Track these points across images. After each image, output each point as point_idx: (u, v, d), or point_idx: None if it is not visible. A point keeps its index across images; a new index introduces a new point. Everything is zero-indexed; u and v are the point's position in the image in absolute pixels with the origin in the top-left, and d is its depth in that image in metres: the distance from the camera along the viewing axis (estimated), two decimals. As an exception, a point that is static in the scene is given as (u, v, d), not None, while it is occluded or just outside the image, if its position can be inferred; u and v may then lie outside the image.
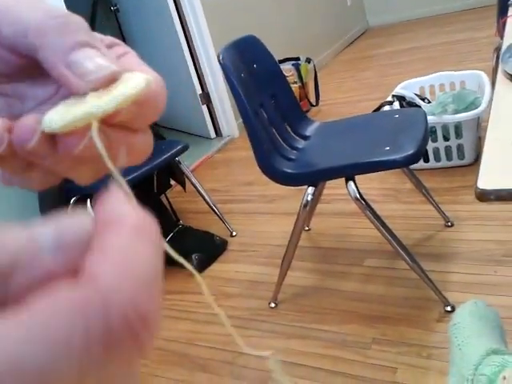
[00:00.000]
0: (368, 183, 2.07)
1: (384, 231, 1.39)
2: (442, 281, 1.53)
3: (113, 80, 0.20)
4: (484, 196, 0.56)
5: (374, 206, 1.44)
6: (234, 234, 2.18)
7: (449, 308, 1.43)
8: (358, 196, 1.33)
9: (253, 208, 2.40)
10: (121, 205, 0.16)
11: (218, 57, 1.33)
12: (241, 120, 3.54)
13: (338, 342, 1.46)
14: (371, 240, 1.85)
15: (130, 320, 0.13)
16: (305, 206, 1.41)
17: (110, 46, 0.24)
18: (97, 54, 0.20)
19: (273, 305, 1.66)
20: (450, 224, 1.80)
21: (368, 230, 1.90)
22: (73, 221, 0.16)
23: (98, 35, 0.23)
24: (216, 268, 1.98)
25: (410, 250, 1.46)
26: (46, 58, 0.20)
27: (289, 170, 1.36)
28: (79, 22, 0.21)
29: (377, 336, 1.44)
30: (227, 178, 2.86)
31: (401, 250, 1.41)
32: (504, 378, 0.65)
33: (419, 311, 1.48)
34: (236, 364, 1.49)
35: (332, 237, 1.97)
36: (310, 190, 1.40)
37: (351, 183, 1.33)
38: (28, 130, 0.20)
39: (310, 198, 1.40)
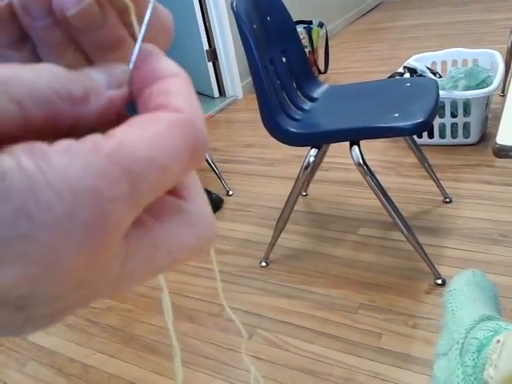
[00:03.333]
0: (369, 154, 2.05)
1: (383, 199, 1.38)
2: (435, 254, 1.53)
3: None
4: (501, 152, 0.55)
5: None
6: (231, 193, 2.17)
7: (439, 281, 1.44)
8: (361, 161, 1.31)
9: (251, 170, 2.38)
10: (168, 61, 0.19)
11: (232, 3, 1.28)
12: (246, 81, 3.50)
13: (326, 304, 1.47)
14: (367, 210, 1.85)
15: (205, 139, 0.17)
16: (306, 167, 1.39)
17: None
18: None
19: (264, 264, 1.67)
20: (448, 200, 1.80)
21: (365, 199, 1.90)
22: (116, 66, 0.18)
23: None
24: (210, 224, 1.97)
25: (405, 220, 1.45)
26: None
27: (293, 130, 1.33)
28: None
29: (364, 302, 1.45)
30: (228, 138, 2.83)
31: (398, 220, 1.40)
32: (498, 341, 0.65)
33: (409, 281, 1.49)
34: (222, 317, 1.50)
35: (328, 203, 1.96)
36: (313, 151, 1.38)
37: (355, 148, 1.31)
38: None
39: (311, 159, 1.38)
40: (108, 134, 0.15)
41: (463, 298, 0.82)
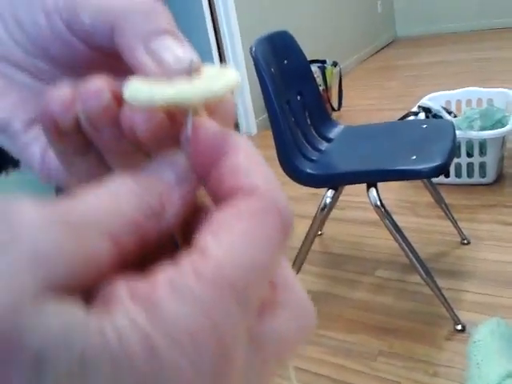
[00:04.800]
0: (385, 193, 2.03)
1: (401, 241, 1.36)
2: (454, 298, 1.50)
3: (195, 70, 0.19)
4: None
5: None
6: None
7: (459, 327, 1.40)
8: (378, 203, 1.30)
9: (266, 207, 2.37)
10: (227, 131, 0.18)
11: (251, 49, 1.31)
12: (260, 117, 3.54)
13: (343, 350, 1.44)
14: (384, 250, 1.82)
15: (289, 211, 0.16)
16: (322, 209, 1.39)
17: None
18: (178, 45, 0.19)
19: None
20: (466, 242, 1.77)
21: (382, 240, 1.87)
22: (175, 154, 0.18)
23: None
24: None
25: (423, 262, 1.42)
26: (125, 41, 0.19)
27: (311, 171, 1.33)
28: (164, 10, 0.20)
29: (383, 348, 1.41)
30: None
31: (416, 262, 1.38)
32: None
33: (428, 327, 1.45)
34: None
35: (344, 243, 1.94)
36: (330, 193, 1.37)
37: (373, 190, 1.30)
38: (98, 90, 0.18)
39: (328, 201, 1.37)
40: (199, 250, 0.14)
41: (488, 350, 0.79)
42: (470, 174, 2.11)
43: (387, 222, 1.32)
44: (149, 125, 0.17)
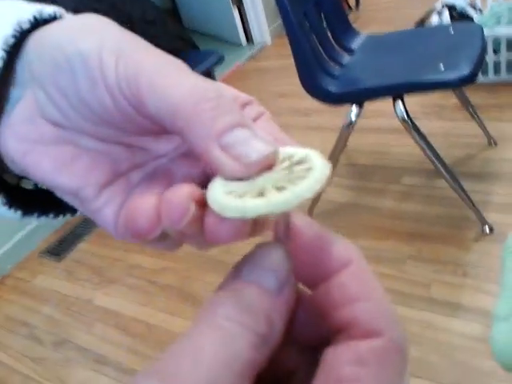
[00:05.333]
0: (410, 98, 2.00)
1: (427, 150, 1.36)
2: (481, 201, 1.52)
3: (271, 163, 0.18)
4: None
5: (416, 122, 1.39)
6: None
7: (487, 228, 1.44)
8: (405, 117, 1.29)
9: (286, 122, 2.36)
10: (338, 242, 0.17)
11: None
12: (274, 25, 3.38)
13: (373, 257, 1.50)
14: (410, 158, 1.83)
15: (407, 355, 0.16)
16: (348, 125, 1.38)
17: (243, 105, 0.22)
18: (251, 135, 0.18)
19: (309, 220, 1.69)
20: (493, 143, 1.76)
21: (407, 147, 1.87)
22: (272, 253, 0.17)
23: (232, 92, 0.22)
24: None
25: (450, 169, 1.44)
26: (196, 142, 0.18)
27: (335, 89, 1.31)
28: (230, 101, 0.18)
29: (412, 253, 1.48)
30: (259, 89, 2.79)
31: (442, 169, 1.39)
32: None
33: (456, 230, 1.50)
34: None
35: (369, 153, 1.95)
36: (355, 108, 1.36)
37: (399, 103, 1.29)
38: (182, 203, 0.18)
39: (354, 117, 1.37)
40: None
41: None
42: (497, 72, 2.04)
43: (414, 133, 1.32)
44: (236, 236, 0.17)
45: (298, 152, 0.19)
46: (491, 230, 1.44)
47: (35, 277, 1.92)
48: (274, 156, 0.18)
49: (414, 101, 2.09)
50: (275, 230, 0.18)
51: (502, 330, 0.75)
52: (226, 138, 0.17)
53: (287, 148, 0.19)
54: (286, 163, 0.18)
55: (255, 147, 0.17)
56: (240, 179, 0.18)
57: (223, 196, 0.17)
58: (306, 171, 0.17)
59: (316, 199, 1.66)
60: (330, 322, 0.16)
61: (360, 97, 1.33)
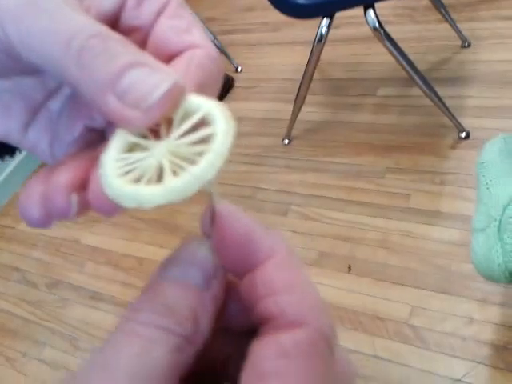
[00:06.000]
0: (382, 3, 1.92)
1: (401, 59, 1.33)
2: (457, 106, 1.52)
3: (176, 101, 0.16)
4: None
5: (387, 28, 1.34)
6: (240, 69, 2.10)
7: (463, 134, 1.45)
8: (377, 26, 1.24)
9: (257, 38, 2.27)
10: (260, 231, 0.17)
11: None
12: None
13: (352, 173, 1.52)
14: (384, 67, 1.79)
15: (335, 337, 0.16)
16: (319, 40, 1.33)
17: (138, 3, 0.18)
18: (149, 71, 0.16)
19: (286, 141, 1.69)
20: (467, 44, 1.72)
21: (381, 56, 1.82)
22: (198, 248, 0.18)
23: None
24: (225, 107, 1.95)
25: (424, 75, 1.41)
26: (88, 95, 0.16)
27: (302, 1, 1.25)
28: (118, 39, 0.16)
29: (390, 165, 1.49)
30: (224, 4, 2.64)
31: (415, 76, 1.36)
32: None
33: (433, 139, 1.51)
34: (255, 198, 1.57)
35: (343, 66, 1.90)
36: (325, 21, 1.30)
37: (370, 11, 1.23)
38: (63, 207, 0.17)
39: (324, 30, 1.31)
40: None
41: (497, 170, 0.83)
42: (469, -34, 1.95)
43: (387, 43, 1.28)
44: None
45: (201, 106, 0.17)
46: (467, 135, 1.45)
47: (19, 223, 1.92)
48: (176, 93, 0.16)
49: (385, 5, 2.01)
50: (201, 223, 0.17)
51: (480, 241, 0.78)
52: (120, 84, 0.16)
53: (190, 97, 0.17)
54: (188, 124, 0.16)
55: (153, 83, 0.16)
56: (141, 133, 0.16)
57: (117, 179, 0.16)
58: (207, 141, 0.16)
59: (292, 120, 1.63)
60: (255, 312, 0.16)
61: (330, 8, 1.27)
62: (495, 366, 1.00)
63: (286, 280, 0.16)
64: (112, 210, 0.17)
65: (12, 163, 2.03)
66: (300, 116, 1.66)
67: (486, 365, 1.01)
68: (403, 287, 1.20)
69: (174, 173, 0.16)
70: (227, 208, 0.17)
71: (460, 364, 1.02)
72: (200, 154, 0.16)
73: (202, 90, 0.17)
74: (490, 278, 0.89)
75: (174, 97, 0.16)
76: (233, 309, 0.18)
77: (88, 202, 0.17)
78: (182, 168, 0.16)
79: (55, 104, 0.20)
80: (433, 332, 1.09)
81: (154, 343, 0.15)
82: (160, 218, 1.66)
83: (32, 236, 1.83)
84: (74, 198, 0.17)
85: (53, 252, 1.73)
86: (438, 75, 1.66)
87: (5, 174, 2.03)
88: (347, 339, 1.12)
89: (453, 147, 1.45)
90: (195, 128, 0.16)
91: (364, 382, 1.02)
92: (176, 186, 0.15)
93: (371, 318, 1.16)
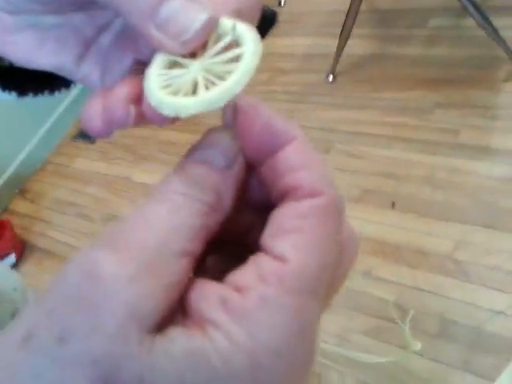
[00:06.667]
0: None
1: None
2: (512, 34, 1.42)
3: (211, 32, 0.18)
4: None
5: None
6: (283, 2, 2.03)
7: (518, 66, 1.37)
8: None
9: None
10: (280, 120, 0.18)
11: None
12: None
13: (399, 108, 1.49)
14: (436, -4, 1.69)
15: (344, 207, 0.18)
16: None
17: None
18: (186, 4, 0.17)
19: (331, 78, 1.65)
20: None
21: (433, -16, 1.72)
22: (222, 135, 0.19)
23: None
24: (268, 43, 1.92)
25: (478, 4, 1.33)
26: (131, 22, 0.18)
27: None
28: None
29: (440, 100, 1.44)
30: None
31: (469, 5, 1.29)
32: None
33: (486, 71, 1.44)
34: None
35: (392, -4, 1.80)
36: None
37: None
38: (122, 115, 0.19)
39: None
40: (278, 258, 0.16)
41: None
42: None
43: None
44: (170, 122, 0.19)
45: (233, 29, 0.19)
46: (523, 67, 1.37)
47: (73, 161, 2.01)
48: (211, 25, 0.18)
49: None
50: (223, 115, 0.19)
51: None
52: (159, 15, 0.17)
53: (224, 20, 0.19)
54: (221, 45, 0.19)
55: (191, 16, 0.17)
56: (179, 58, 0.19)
57: (159, 91, 0.18)
58: (236, 59, 0.18)
59: (337, 55, 1.59)
60: (276, 189, 0.18)
61: None
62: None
63: (303, 159, 0.18)
64: (162, 119, 0.19)
65: (64, 102, 2.10)
66: (345, 50, 1.61)
67: (529, 298, 1.02)
68: (448, 223, 1.20)
69: (207, 87, 0.18)
70: (249, 100, 0.19)
71: (502, 297, 1.03)
72: (230, 71, 0.18)
73: (238, 16, 0.19)
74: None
75: (210, 29, 0.18)
76: (254, 189, 0.20)
77: (143, 113, 0.19)
78: (213, 83, 0.18)
79: (106, 38, 0.22)
80: (476, 266, 1.10)
81: (181, 207, 0.17)
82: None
83: (86, 173, 1.92)
84: (132, 108, 0.19)
85: (106, 188, 1.82)
86: (493, 3, 1.56)
87: (57, 113, 2.10)
88: (388, 272, 1.15)
89: (506, 80, 1.39)
90: (227, 48, 0.19)
91: (402, 312, 1.05)
92: (208, 97, 0.17)
93: (414, 252, 1.18)
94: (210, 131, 0.19)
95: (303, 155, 0.18)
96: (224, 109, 0.19)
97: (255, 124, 0.18)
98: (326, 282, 0.16)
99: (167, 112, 0.18)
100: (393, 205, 1.30)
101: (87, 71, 0.22)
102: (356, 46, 1.69)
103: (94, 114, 0.20)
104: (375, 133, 1.47)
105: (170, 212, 0.16)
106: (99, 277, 0.15)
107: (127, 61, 0.22)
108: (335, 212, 0.17)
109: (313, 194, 0.17)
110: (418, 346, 0.83)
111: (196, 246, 0.16)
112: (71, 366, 0.14)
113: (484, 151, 1.29)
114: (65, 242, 1.73)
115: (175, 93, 0.18)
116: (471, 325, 1.02)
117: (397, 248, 1.21)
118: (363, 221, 1.29)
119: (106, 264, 0.15)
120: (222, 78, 0.18)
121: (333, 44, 1.60)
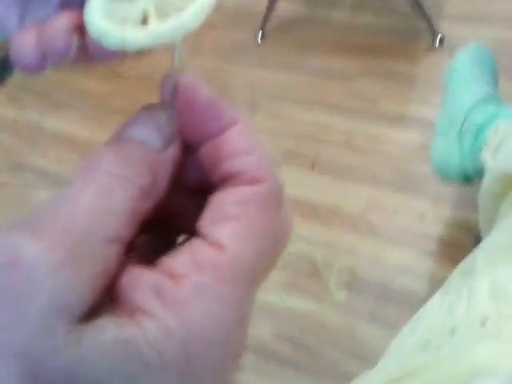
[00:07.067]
0: None
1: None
2: (435, 12, 1.48)
3: None
4: None
5: None
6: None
7: (438, 40, 1.43)
8: None
9: None
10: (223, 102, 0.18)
11: None
12: None
13: (324, 73, 1.50)
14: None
15: (283, 194, 0.18)
16: None
17: None
18: None
19: (260, 37, 1.63)
20: None
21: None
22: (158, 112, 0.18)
23: None
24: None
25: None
26: None
27: None
28: None
29: (362, 68, 1.48)
30: None
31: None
32: (497, 129, 0.70)
33: (407, 43, 1.49)
34: (224, 95, 1.55)
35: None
36: None
37: None
38: (63, 45, 0.17)
39: None
40: (215, 245, 0.15)
41: (465, 77, 0.83)
42: None
43: None
44: (122, 54, 0.17)
45: None
46: (441, 42, 1.44)
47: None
48: None
49: None
50: (161, 90, 0.18)
51: (440, 143, 0.81)
52: None
53: None
54: None
55: None
56: None
57: (102, 20, 0.16)
58: None
59: (267, 14, 1.57)
60: (216, 173, 0.18)
61: None
62: (439, 260, 1.09)
63: (247, 144, 0.17)
64: (107, 54, 0.17)
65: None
66: (275, 12, 1.59)
67: (432, 258, 1.09)
68: (361, 185, 1.25)
69: (160, 19, 0.16)
70: (190, 77, 0.18)
71: (407, 254, 1.10)
72: (187, 2, 0.16)
73: None
74: (447, 177, 0.93)
75: None
76: (191, 171, 0.19)
77: (86, 46, 0.17)
78: (167, 14, 0.16)
79: None
80: (386, 226, 1.15)
81: (112, 189, 0.15)
82: (127, 108, 1.62)
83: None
84: (74, 39, 0.17)
85: (15, 136, 1.69)
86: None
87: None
88: (302, 228, 1.18)
89: (426, 53, 1.45)
90: None
91: (317, 268, 1.09)
92: (161, 30, 0.15)
93: (328, 211, 1.22)
94: (147, 107, 0.18)
95: (247, 140, 0.18)
96: (162, 84, 0.17)
97: (197, 103, 0.17)
98: (262, 270, 0.16)
99: (111, 44, 0.16)
100: (313, 166, 1.32)
101: (2, 11, 0.19)
102: (286, 9, 1.68)
103: (27, 43, 0.17)
104: (300, 96, 1.48)
105: (101, 194, 0.15)
106: (21, 264, 0.13)
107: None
108: (275, 200, 0.17)
109: (254, 181, 0.17)
110: (341, 296, 0.85)
111: (127, 232, 0.15)
112: None
113: (400, 120, 1.35)
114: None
115: (122, 23, 0.16)
116: (378, 280, 1.07)
117: (313, 208, 1.24)
118: (284, 181, 1.30)
119: (29, 250, 0.14)
120: (178, 8, 0.16)
121: (263, 3, 1.57)
